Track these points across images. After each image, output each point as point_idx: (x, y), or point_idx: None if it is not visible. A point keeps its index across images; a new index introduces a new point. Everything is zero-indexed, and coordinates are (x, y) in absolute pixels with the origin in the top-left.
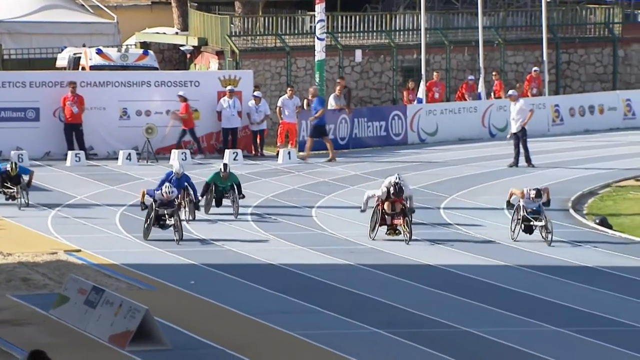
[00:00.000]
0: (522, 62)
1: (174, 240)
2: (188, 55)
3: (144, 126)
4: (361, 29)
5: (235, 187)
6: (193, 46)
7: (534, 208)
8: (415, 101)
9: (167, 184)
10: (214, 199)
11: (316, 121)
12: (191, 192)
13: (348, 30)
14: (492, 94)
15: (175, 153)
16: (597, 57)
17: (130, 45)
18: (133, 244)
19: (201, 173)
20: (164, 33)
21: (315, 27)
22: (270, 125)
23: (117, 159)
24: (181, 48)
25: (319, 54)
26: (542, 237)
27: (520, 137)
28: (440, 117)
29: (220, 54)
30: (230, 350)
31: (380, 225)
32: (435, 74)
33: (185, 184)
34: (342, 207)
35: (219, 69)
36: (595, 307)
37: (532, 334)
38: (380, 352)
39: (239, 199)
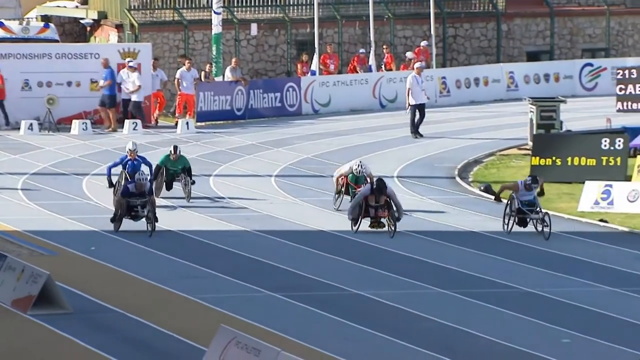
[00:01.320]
0: (410, 36)
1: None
2: (88, 29)
3: (45, 97)
4: (256, 4)
5: (186, 170)
6: (93, 19)
7: (529, 199)
8: (309, 73)
9: (141, 170)
10: (164, 183)
11: (106, 91)
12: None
13: (244, 4)
14: (382, 66)
15: (76, 123)
16: (482, 32)
17: (32, 18)
18: (35, 212)
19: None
20: (65, 6)
21: (212, 1)
22: (168, 96)
23: (19, 129)
24: (81, 21)
25: (216, 28)
26: (537, 230)
27: (423, 108)
28: (333, 89)
29: (119, 27)
30: (129, 314)
31: (364, 217)
32: (328, 47)
33: (142, 169)
34: (238, 175)
35: (118, 42)
36: (479, 270)
37: (417, 296)
38: (274, 315)
39: (191, 184)
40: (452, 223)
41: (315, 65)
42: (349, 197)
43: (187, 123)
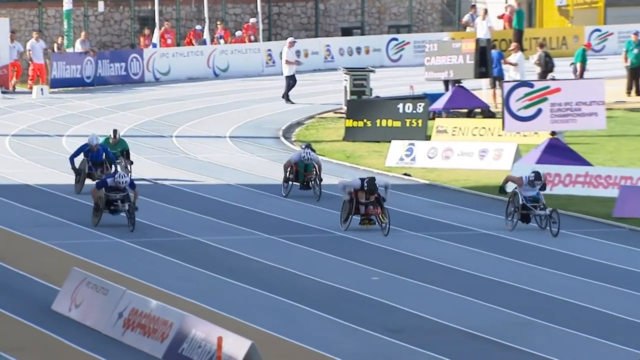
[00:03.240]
0: (240, 14)
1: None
2: None
3: None
4: None
5: (125, 153)
6: None
7: (533, 195)
8: (151, 46)
9: (120, 172)
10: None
11: None
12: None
13: None
14: (215, 40)
15: None
16: (302, 10)
17: None
18: None
19: None
20: None
21: None
22: (25, 66)
23: None
24: None
25: (67, 5)
26: (540, 227)
27: (294, 77)
28: (172, 60)
29: None
30: None
31: (354, 214)
32: (166, 23)
33: (104, 156)
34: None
35: None
36: (295, 217)
37: (247, 241)
38: (121, 259)
39: (129, 164)
40: (277, 178)
41: (156, 38)
42: (298, 184)
43: (42, 89)
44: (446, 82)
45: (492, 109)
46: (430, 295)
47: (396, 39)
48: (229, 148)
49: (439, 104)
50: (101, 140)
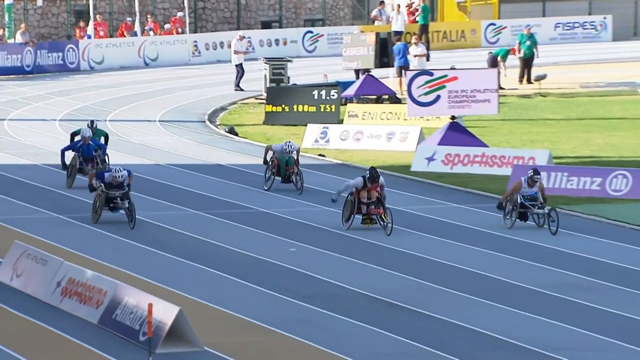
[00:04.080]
0: (168, 8)
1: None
2: None
3: None
4: None
5: (105, 139)
6: None
7: (531, 194)
8: (86, 37)
9: (117, 167)
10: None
11: None
12: (99, 160)
13: None
14: (145, 32)
15: None
16: (225, 5)
17: None
18: None
19: None
20: None
21: None
22: None
23: None
24: None
25: None
26: (538, 224)
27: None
28: (106, 50)
29: None
30: None
31: (356, 214)
32: (98, 16)
33: (94, 152)
34: (31, 119)
35: None
36: (220, 194)
37: (175, 216)
38: (58, 233)
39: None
40: (203, 158)
41: (90, 30)
42: (279, 179)
43: None
44: (357, 71)
45: (399, 96)
46: (340, 264)
47: (311, 32)
48: (158, 131)
49: (350, 91)
50: (88, 133)
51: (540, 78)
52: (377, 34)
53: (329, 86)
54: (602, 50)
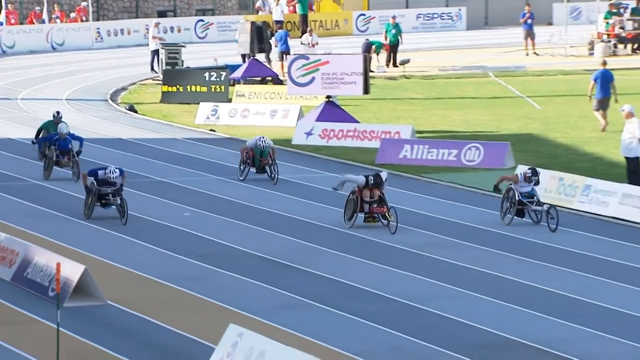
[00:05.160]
0: None
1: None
2: None
3: None
4: None
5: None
6: None
7: (528, 191)
8: None
9: (111, 167)
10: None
11: None
12: (75, 151)
13: None
14: (53, 20)
15: None
16: None
17: None
18: None
19: None
20: None
21: None
22: None
23: None
24: None
25: None
26: (534, 221)
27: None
28: (17, 36)
29: None
30: None
31: (359, 212)
32: (10, 5)
33: (70, 145)
34: None
35: None
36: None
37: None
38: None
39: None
40: (106, 133)
41: (2, 18)
42: (254, 169)
43: None
44: (243, 56)
45: (281, 77)
46: (231, 227)
47: (202, 20)
48: (65, 109)
49: (237, 73)
50: (65, 130)
51: (404, 62)
52: (253, 23)
53: (218, 69)
54: (457, 38)
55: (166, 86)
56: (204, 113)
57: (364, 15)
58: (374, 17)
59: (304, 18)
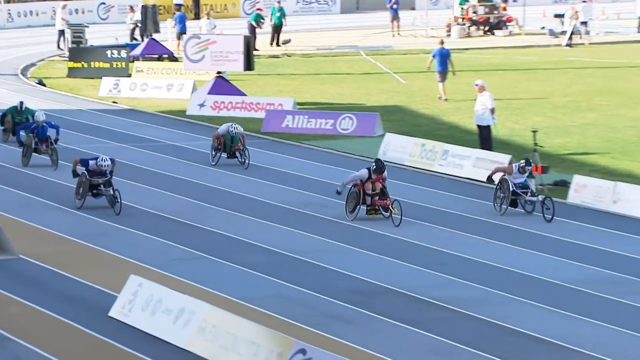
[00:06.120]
0: None
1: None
2: None
3: None
4: None
5: (31, 117)
6: None
7: (522, 182)
8: None
9: (102, 156)
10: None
11: None
12: (53, 139)
13: None
14: None
15: None
16: None
17: None
18: None
19: None
20: None
21: None
22: None
23: None
24: None
25: None
26: (527, 211)
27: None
28: None
29: None
30: None
31: (361, 205)
32: None
33: (47, 132)
34: None
35: None
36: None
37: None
38: None
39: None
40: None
41: None
42: (225, 155)
43: None
44: (142, 35)
45: (176, 55)
46: (131, 188)
47: (104, 3)
48: None
49: (137, 51)
50: (42, 117)
51: (286, 42)
52: (143, 6)
53: (119, 47)
54: (332, 20)
55: (72, 62)
56: (106, 87)
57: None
58: (259, 1)
59: (197, 3)
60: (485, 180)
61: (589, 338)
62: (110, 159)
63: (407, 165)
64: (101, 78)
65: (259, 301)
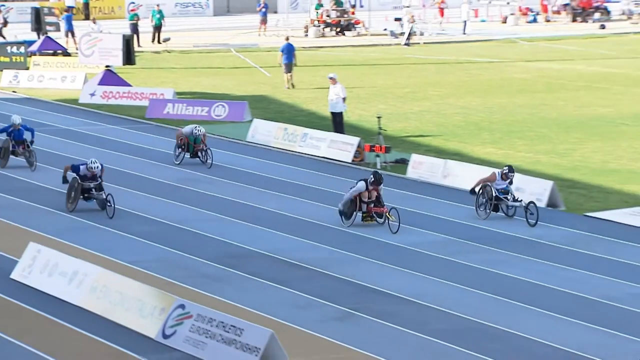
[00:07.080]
0: None
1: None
2: None
3: None
4: None
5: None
6: None
7: (504, 187)
8: None
9: (92, 159)
10: None
11: None
12: (29, 141)
13: None
14: None
15: None
16: None
17: None
18: None
19: None
20: None
21: None
22: None
23: None
24: None
25: None
26: (507, 215)
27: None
28: None
29: None
30: None
31: (357, 211)
32: None
33: (23, 135)
34: None
35: None
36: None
37: None
38: None
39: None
40: None
41: None
42: (188, 155)
43: None
44: (38, 34)
45: (69, 51)
46: (28, 170)
47: (4, 5)
48: None
49: (34, 47)
50: (18, 120)
51: (166, 40)
52: (33, 8)
53: (18, 43)
54: (206, 22)
55: None
56: (7, 78)
57: (133, 2)
58: (142, 5)
59: (86, 5)
60: (469, 192)
61: (416, 289)
62: (100, 163)
63: (272, 147)
64: (2, 71)
65: (145, 264)
